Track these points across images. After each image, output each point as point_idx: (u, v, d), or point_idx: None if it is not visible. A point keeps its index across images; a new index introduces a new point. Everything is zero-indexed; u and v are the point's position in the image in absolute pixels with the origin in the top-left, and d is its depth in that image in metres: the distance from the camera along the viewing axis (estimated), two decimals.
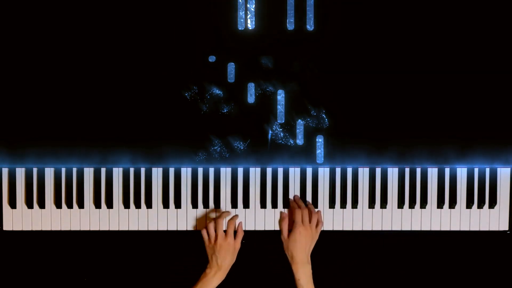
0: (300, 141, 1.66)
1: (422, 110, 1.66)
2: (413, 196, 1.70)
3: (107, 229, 1.70)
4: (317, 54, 1.64)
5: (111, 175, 1.68)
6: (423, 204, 1.70)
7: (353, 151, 1.66)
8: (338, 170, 1.69)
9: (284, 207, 1.70)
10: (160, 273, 1.87)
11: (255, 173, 1.69)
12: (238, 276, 1.66)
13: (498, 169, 1.69)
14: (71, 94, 1.63)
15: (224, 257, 1.59)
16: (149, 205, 1.69)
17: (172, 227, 1.70)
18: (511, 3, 1.64)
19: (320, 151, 1.66)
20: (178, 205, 1.69)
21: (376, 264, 1.89)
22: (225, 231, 1.62)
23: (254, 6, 1.63)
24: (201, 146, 1.65)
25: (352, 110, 1.66)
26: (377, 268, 1.89)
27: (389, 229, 1.71)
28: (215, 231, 1.60)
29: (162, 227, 1.70)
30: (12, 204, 1.68)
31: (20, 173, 1.68)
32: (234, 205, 1.69)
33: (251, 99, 1.65)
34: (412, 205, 1.70)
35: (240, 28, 1.64)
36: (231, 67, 1.64)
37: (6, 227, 1.69)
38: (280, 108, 1.65)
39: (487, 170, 1.70)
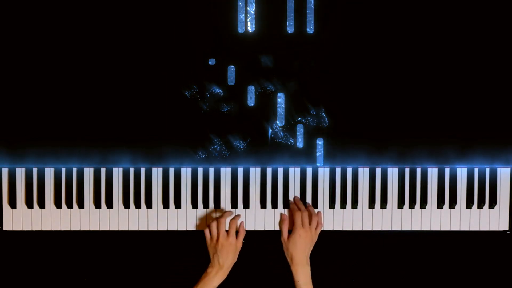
0: (300, 143, 1.66)
1: (422, 110, 1.66)
2: (413, 196, 1.70)
3: (107, 229, 1.70)
4: (317, 57, 1.64)
5: (111, 175, 1.68)
6: (423, 204, 1.70)
7: (353, 151, 1.66)
8: (338, 170, 1.69)
9: (284, 207, 1.70)
10: (160, 273, 1.87)
11: (255, 173, 1.69)
12: (238, 276, 1.66)
13: (498, 169, 1.69)
14: (71, 94, 1.63)
15: (226, 256, 1.59)
16: (149, 205, 1.69)
17: (172, 227, 1.70)
18: (511, 4, 1.64)
19: (320, 153, 1.67)
20: (178, 205, 1.69)
21: (376, 264, 1.89)
22: (227, 231, 1.62)
23: (254, 9, 1.63)
24: (201, 145, 1.65)
25: (352, 110, 1.65)
26: (377, 268, 1.89)
27: (389, 229, 1.71)
28: (217, 230, 1.61)
29: (162, 227, 1.70)
30: (12, 204, 1.68)
31: (20, 173, 1.68)
32: (234, 205, 1.69)
33: (251, 102, 1.65)
34: (412, 205, 1.70)
35: (240, 31, 1.64)
36: (231, 70, 1.64)
37: (6, 227, 1.69)
38: (280, 110, 1.65)
39: (487, 170, 1.70)
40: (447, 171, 1.70)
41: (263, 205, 1.69)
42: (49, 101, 1.63)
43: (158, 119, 1.64)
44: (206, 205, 1.69)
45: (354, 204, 1.69)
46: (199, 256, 1.81)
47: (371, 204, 1.70)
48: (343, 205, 1.69)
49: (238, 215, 1.68)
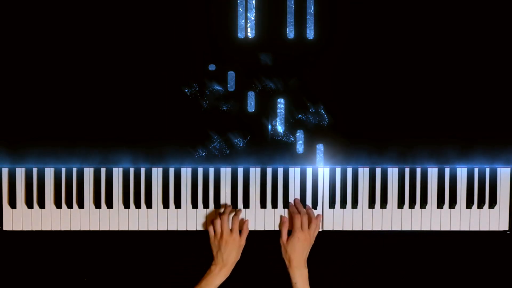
0: (300, 148, 1.66)
1: (422, 110, 1.66)
2: (413, 196, 1.70)
3: (107, 229, 1.70)
4: (317, 60, 1.64)
5: (111, 175, 1.68)
6: (423, 204, 1.70)
7: (353, 151, 1.66)
8: (338, 170, 1.69)
9: (284, 207, 1.70)
10: (160, 273, 1.87)
11: (255, 173, 1.69)
12: (238, 276, 1.66)
13: (498, 169, 1.69)
14: (71, 94, 1.63)
15: (229, 253, 1.60)
16: (149, 205, 1.69)
17: (172, 227, 1.70)
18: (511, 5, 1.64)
19: (320, 157, 1.67)
20: (178, 205, 1.69)
21: (376, 264, 1.89)
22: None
23: (254, 14, 1.63)
24: (201, 143, 1.65)
25: (352, 111, 1.65)
26: (377, 268, 1.89)
27: (389, 229, 1.71)
28: (221, 227, 1.61)
29: (162, 227, 1.70)
30: (12, 204, 1.68)
31: (20, 173, 1.68)
32: (234, 205, 1.69)
33: (251, 107, 1.65)
34: (412, 205, 1.70)
35: (240, 37, 1.64)
36: (231, 76, 1.64)
37: (6, 227, 1.69)
38: (280, 116, 1.65)
39: (487, 170, 1.70)
40: (447, 171, 1.70)
41: (263, 205, 1.69)
42: (49, 101, 1.63)
43: (158, 118, 1.64)
44: (206, 205, 1.69)
45: (354, 204, 1.70)
46: (199, 256, 1.82)
47: (371, 204, 1.70)
48: (343, 205, 1.69)
49: (239, 210, 1.68)
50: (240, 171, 1.69)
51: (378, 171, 1.70)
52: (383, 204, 1.69)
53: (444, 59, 1.65)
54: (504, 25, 1.65)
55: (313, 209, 1.70)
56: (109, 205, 1.69)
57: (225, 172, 1.69)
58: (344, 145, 1.66)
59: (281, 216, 1.70)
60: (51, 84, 1.63)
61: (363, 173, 1.70)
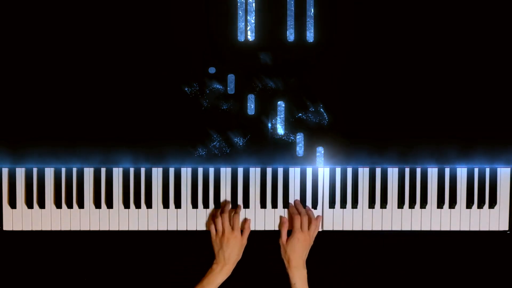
0: (300, 150, 1.66)
1: (422, 110, 1.66)
2: (413, 196, 1.70)
3: (107, 229, 1.70)
4: (317, 63, 1.64)
5: (111, 175, 1.68)
6: (423, 204, 1.70)
7: (353, 151, 1.66)
8: (338, 170, 1.69)
9: (284, 207, 1.70)
10: (160, 273, 1.87)
11: (255, 173, 1.69)
12: (238, 276, 1.66)
13: (498, 169, 1.69)
14: (71, 94, 1.63)
15: (231, 251, 1.60)
16: (149, 205, 1.69)
17: (172, 227, 1.70)
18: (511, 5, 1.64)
19: (320, 157, 1.67)
20: (178, 205, 1.69)
21: (376, 264, 1.89)
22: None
23: (254, 17, 1.63)
24: (201, 142, 1.65)
25: (352, 111, 1.65)
26: (377, 268, 1.89)
27: (389, 229, 1.71)
28: (222, 225, 1.62)
29: (162, 227, 1.70)
30: (12, 204, 1.68)
31: (20, 173, 1.68)
32: (234, 205, 1.69)
33: (251, 110, 1.65)
34: (412, 205, 1.70)
35: (240, 40, 1.64)
36: (231, 79, 1.64)
37: (6, 227, 1.69)
38: (280, 117, 1.65)
39: (487, 170, 1.70)
40: (447, 171, 1.70)
41: (263, 205, 1.69)
42: (49, 101, 1.63)
43: (158, 117, 1.64)
44: (206, 205, 1.69)
45: (354, 204, 1.70)
46: (199, 256, 1.82)
47: (371, 204, 1.70)
48: (343, 205, 1.69)
49: (239, 207, 1.68)
50: (240, 171, 1.69)
51: (378, 171, 1.70)
52: (383, 204, 1.69)
53: (444, 59, 1.65)
54: (503, 25, 1.65)
55: (313, 210, 1.70)
56: (109, 205, 1.69)
57: (225, 172, 1.69)
58: (344, 145, 1.66)
59: (280, 217, 1.70)
60: (51, 84, 1.63)
61: (363, 173, 1.70)
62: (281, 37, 1.64)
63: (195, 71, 1.64)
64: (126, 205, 1.68)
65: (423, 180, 1.70)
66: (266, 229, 1.70)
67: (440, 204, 1.70)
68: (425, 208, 1.70)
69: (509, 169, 1.70)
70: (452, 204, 1.70)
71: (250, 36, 1.64)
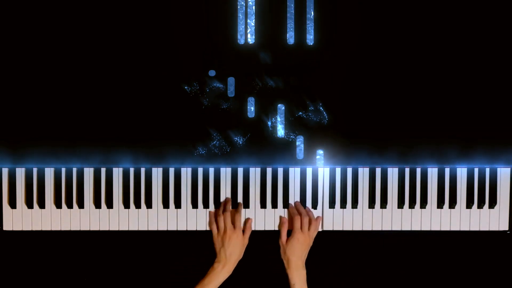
0: (300, 153, 1.66)
1: (422, 111, 1.66)
2: (413, 196, 1.70)
3: (107, 229, 1.70)
4: (317, 65, 1.64)
5: (111, 175, 1.68)
6: (423, 204, 1.70)
7: (353, 151, 1.66)
8: (338, 170, 1.69)
9: (284, 207, 1.70)
10: (160, 273, 1.87)
11: (255, 173, 1.69)
12: (238, 276, 1.66)
13: (498, 169, 1.70)
14: (71, 94, 1.63)
15: (232, 249, 1.60)
16: (149, 205, 1.69)
17: (172, 227, 1.70)
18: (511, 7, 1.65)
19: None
20: (178, 205, 1.69)
21: (376, 264, 1.89)
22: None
23: (254, 20, 1.63)
24: (201, 141, 1.65)
25: (352, 111, 1.66)
26: (377, 268, 1.89)
27: (389, 229, 1.71)
28: (224, 223, 1.62)
29: (162, 227, 1.70)
30: (12, 204, 1.68)
31: (20, 173, 1.68)
32: (234, 205, 1.69)
33: (251, 113, 1.65)
34: (412, 205, 1.70)
35: (240, 43, 1.64)
36: (231, 82, 1.64)
37: (6, 227, 1.69)
38: (280, 122, 1.65)
39: (487, 170, 1.70)
40: (447, 171, 1.70)
41: (263, 205, 1.69)
42: (48, 101, 1.63)
43: (158, 117, 1.64)
44: (206, 205, 1.69)
45: (354, 204, 1.70)
46: (199, 256, 1.82)
47: (371, 204, 1.70)
48: (343, 205, 1.69)
49: (240, 205, 1.68)
50: (240, 171, 1.69)
51: (378, 171, 1.70)
52: (383, 204, 1.69)
53: (444, 59, 1.65)
54: (504, 25, 1.65)
55: (313, 210, 1.70)
56: (109, 205, 1.69)
57: (225, 172, 1.69)
58: (344, 145, 1.66)
59: (280, 217, 1.70)
60: (50, 84, 1.63)
61: (363, 173, 1.70)
62: (281, 40, 1.64)
63: (196, 74, 1.63)
64: (126, 205, 1.68)
65: (423, 180, 1.70)
66: (266, 229, 1.70)
67: (440, 204, 1.70)
68: (425, 208, 1.70)
69: (509, 169, 1.70)
70: (452, 204, 1.70)
71: (250, 39, 1.64)
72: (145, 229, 1.70)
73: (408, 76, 1.65)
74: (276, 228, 1.70)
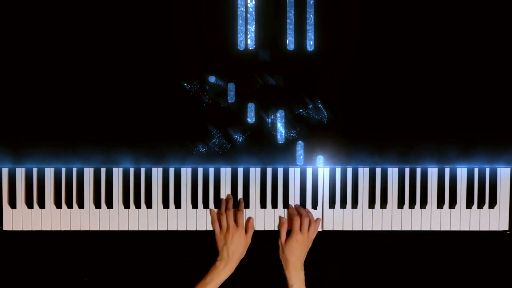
0: (300, 161, 1.67)
1: (422, 110, 1.66)
2: (413, 196, 1.70)
3: (107, 229, 1.70)
4: (317, 69, 1.64)
5: (111, 175, 1.68)
6: (423, 204, 1.70)
7: (353, 151, 1.66)
8: (338, 170, 1.69)
9: (284, 207, 1.70)
10: (160, 273, 1.87)
11: (255, 173, 1.69)
12: (238, 276, 1.66)
13: (498, 169, 1.70)
14: (71, 94, 1.63)
15: (235, 247, 1.60)
16: (149, 205, 1.69)
17: (172, 227, 1.70)
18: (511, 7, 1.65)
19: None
20: (178, 205, 1.69)
21: (376, 264, 1.89)
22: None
23: (254, 26, 1.63)
24: (201, 140, 1.65)
25: (352, 111, 1.66)
26: (377, 268, 1.89)
27: (389, 229, 1.71)
28: (227, 221, 1.62)
29: (162, 227, 1.70)
30: (12, 204, 1.68)
31: (20, 173, 1.68)
32: (235, 205, 1.69)
33: (251, 119, 1.65)
34: (412, 205, 1.70)
35: (240, 48, 1.64)
36: (230, 87, 1.64)
37: (6, 227, 1.69)
38: (280, 127, 1.65)
39: (487, 170, 1.70)
40: (447, 171, 1.70)
41: (263, 205, 1.69)
42: (48, 101, 1.63)
43: (158, 116, 1.64)
44: (206, 205, 1.69)
45: (354, 204, 1.70)
46: (199, 256, 1.82)
47: (371, 204, 1.70)
48: (343, 205, 1.69)
49: (242, 203, 1.68)
50: (240, 171, 1.69)
51: (378, 171, 1.70)
52: (383, 204, 1.69)
53: (444, 59, 1.65)
54: (504, 25, 1.65)
55: (313, 210, 1.70)
56: (109, 205, 1.69)
57: (225, 172, 1.69)
58: (344, 145, 1.66)
59: (280, 217, 1.70)
60: (50, 84, 1.63)
61: (363, 173, 1.70)
62: (281, 46, 1.64)
63: (195, 79, 1.64)
64: (126, 205, 1.68)
65: (423, 180, 1.70)
66: (266, 229, 1.70)
67: (440, 204, 1.70)
68: (425, 208, 1.70)
69: (509, 169, 1.70)
70: (452, 204, 1.70)
71: (250, 45, 1.64)
72: (145, 229, 1.70)
73: (407, 77, 1.65)
74: (276, 228, 1.70)
